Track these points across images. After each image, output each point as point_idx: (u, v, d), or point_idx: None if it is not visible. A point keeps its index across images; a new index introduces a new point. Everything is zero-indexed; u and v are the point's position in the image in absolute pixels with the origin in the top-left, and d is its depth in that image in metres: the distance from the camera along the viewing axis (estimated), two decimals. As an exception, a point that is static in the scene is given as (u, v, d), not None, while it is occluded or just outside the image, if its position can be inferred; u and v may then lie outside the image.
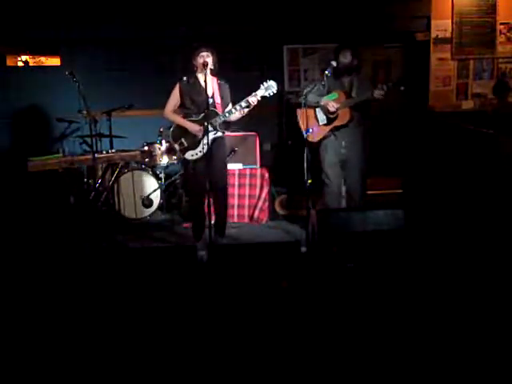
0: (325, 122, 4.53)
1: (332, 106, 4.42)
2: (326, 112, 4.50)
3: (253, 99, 4.13)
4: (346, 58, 4.38)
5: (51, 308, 3.30)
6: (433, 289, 3.38)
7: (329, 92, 4.48)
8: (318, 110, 4.55)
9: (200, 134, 4.22)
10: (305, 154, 4.41)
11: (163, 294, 3.39)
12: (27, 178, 4.90)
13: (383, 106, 4.82)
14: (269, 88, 4.15)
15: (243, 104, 4.15)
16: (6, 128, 6.15)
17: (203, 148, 4.21)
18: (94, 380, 2.60)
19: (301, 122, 4.64)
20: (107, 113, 5.46)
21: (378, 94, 4.25)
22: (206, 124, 4.12)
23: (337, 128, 4.52)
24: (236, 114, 4.23)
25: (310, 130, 4.54)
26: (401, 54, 6.54)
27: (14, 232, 4.83)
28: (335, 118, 4.49)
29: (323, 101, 4.46)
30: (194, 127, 4.24)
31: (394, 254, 3.62)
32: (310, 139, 4.57)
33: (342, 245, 3.70)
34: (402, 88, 4.23)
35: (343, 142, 4.54)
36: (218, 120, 4.18)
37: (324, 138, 4.57)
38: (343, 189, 4.70)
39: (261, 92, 4.14)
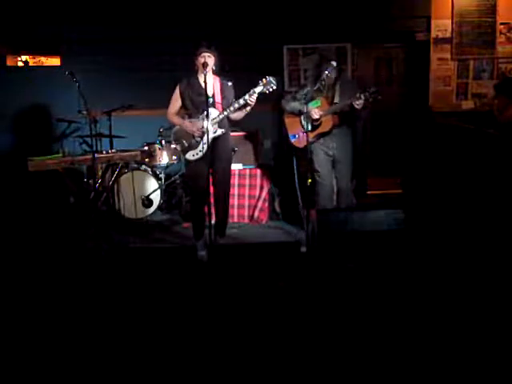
0: (309, 129, 4.54)
1: (315, 114, 4.44)
2: (310, 119, 4.50)
3: (251, 97, 4.11)
4: (331, 70, 4.35)
5: (51, 307, 3.30)
6: (433, 288, 3.38)
7: (312, 99, 4.48)
8: (302, 116, 4.55)
9: (197, 134, 4.22)
10: (294, 160, 4.45)
11: (163, 293, 3.39)
12: (27, 177, 4.90)
13: (383, 106, 4.83)
14: (267, 84, 4.10)
15: (241, 102, 4.13)
16: (6, 128, 6.14)
17: (203, 148, 4.20)
18: (94, 380, 2.60)
19: (287, 128, 4.73)
20: (107, 113, 5.46)
21: (356, 103, 4.25)
22: (204, 124, 4.12)
23: (322, 135, 4.54)
24: (238, 112, 4.23)
25: (297, 136, 4.60)
26: (401, 53, 6.54)
27: (14, 232, 4.83)
28: (318, 126, 4.51)
29: (307, 108, 4.47)
30: (191, 127, 4.24)
31: (394, 254, 3.62)
32: (296, 145, 4.65)
33: (342, 245, 3.70)
34: (380, 97, 4.26)
35: (331, 145, 4.56)
36: (217, 119, 4.17)
37: (311, 143, 4.58)
38: (335, 187, 4.72)
39: (259, 89, 4.10)
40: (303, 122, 4.55)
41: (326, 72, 4.24)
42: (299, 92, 4.59)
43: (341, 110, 4.41)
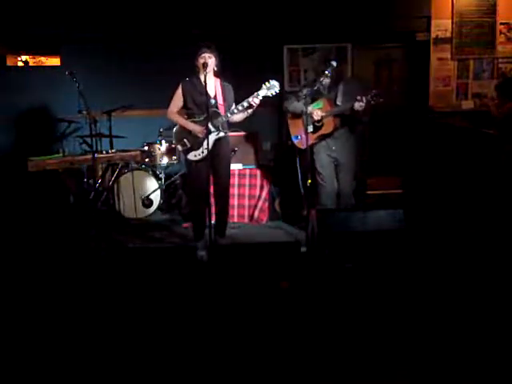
0: (311, 130, 4.53)
1: (316, 115, 4.41)
2: (312, 120, 4.49)
3: (254, 99, 4.12)
4: (331, 70, 4.33)
5: (51, 307, 3.30)
6: (432, 289, 3.38)
7: (314, 100, 4.47)
8: (304, 117, 4.53)
9: (202, 135, 4.21)
10: (297, 160, 4.51)
11: (163, 294, 3.38)
12: (27, 178, 4.90)
13: (383, 106, 4.83)
14: (271, 88, 4.13)
15: (245, 104, 4.15)
16: (7, 128, 6.14)
17: (206, 149, 4.20)
18: (94, 380, 2.60)
19: (290, 129, 4.73)
20: (107, 113, 5.45)
21: (358, 105, 4.21)
22: (208, 125, 4.13)
23: (324, 136, 4.53)
24: (239, 114, 4.24)
25: (299, 137, 4.60)
26: (402, 53, 6.54)
27: (14, 232, 4.83)
28: (321, 127, 4.50)
29: (309, 109, 4.46)
30: (196, 128, 4.23)
31: (394, 254, 3.62)
32: (299, 146, 4.64)
33: (342, 245, 3.70)
34: (382, 100, 4.22)
35: (333, 147, 4.55)
36: (221, 121, 4.18)
37: (313, 144, 4.58)
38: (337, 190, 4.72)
39: (263, 92, 4.13)
40: (305, 122, 4.54)
41: (326, 72, 4.23)
42: (301, 91, 4.56)
43: (342, 112, 4.40)
